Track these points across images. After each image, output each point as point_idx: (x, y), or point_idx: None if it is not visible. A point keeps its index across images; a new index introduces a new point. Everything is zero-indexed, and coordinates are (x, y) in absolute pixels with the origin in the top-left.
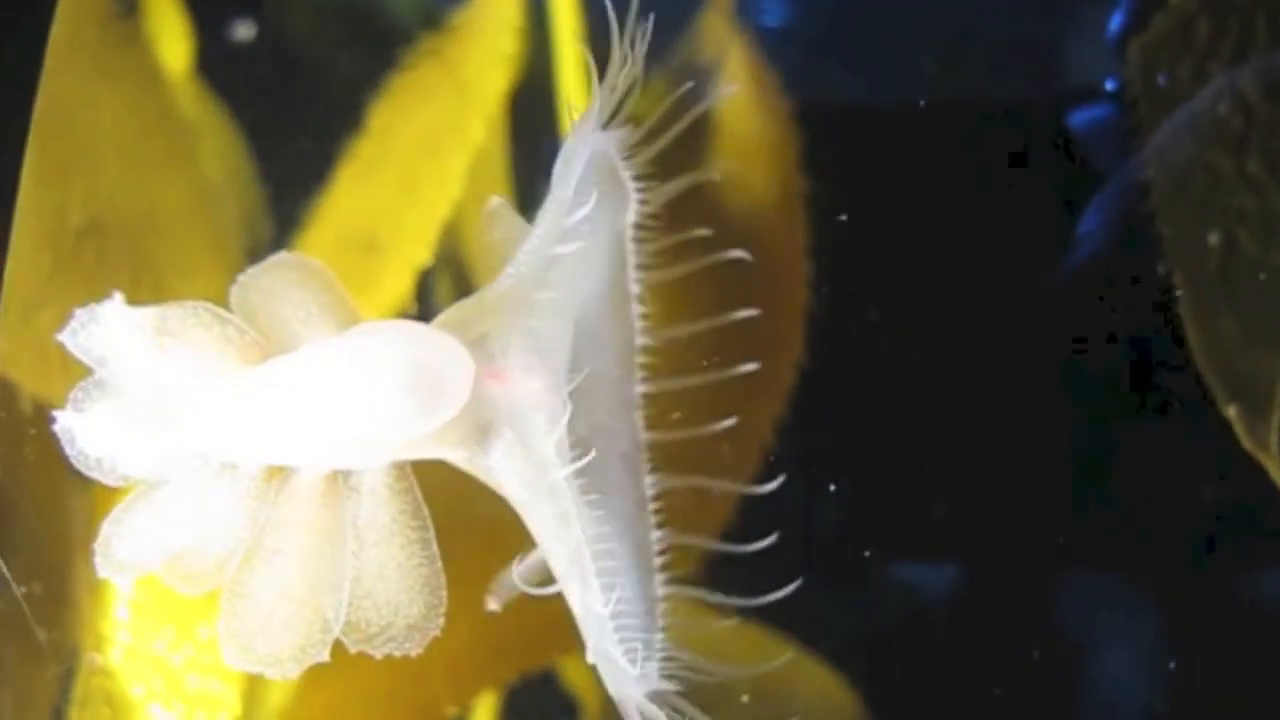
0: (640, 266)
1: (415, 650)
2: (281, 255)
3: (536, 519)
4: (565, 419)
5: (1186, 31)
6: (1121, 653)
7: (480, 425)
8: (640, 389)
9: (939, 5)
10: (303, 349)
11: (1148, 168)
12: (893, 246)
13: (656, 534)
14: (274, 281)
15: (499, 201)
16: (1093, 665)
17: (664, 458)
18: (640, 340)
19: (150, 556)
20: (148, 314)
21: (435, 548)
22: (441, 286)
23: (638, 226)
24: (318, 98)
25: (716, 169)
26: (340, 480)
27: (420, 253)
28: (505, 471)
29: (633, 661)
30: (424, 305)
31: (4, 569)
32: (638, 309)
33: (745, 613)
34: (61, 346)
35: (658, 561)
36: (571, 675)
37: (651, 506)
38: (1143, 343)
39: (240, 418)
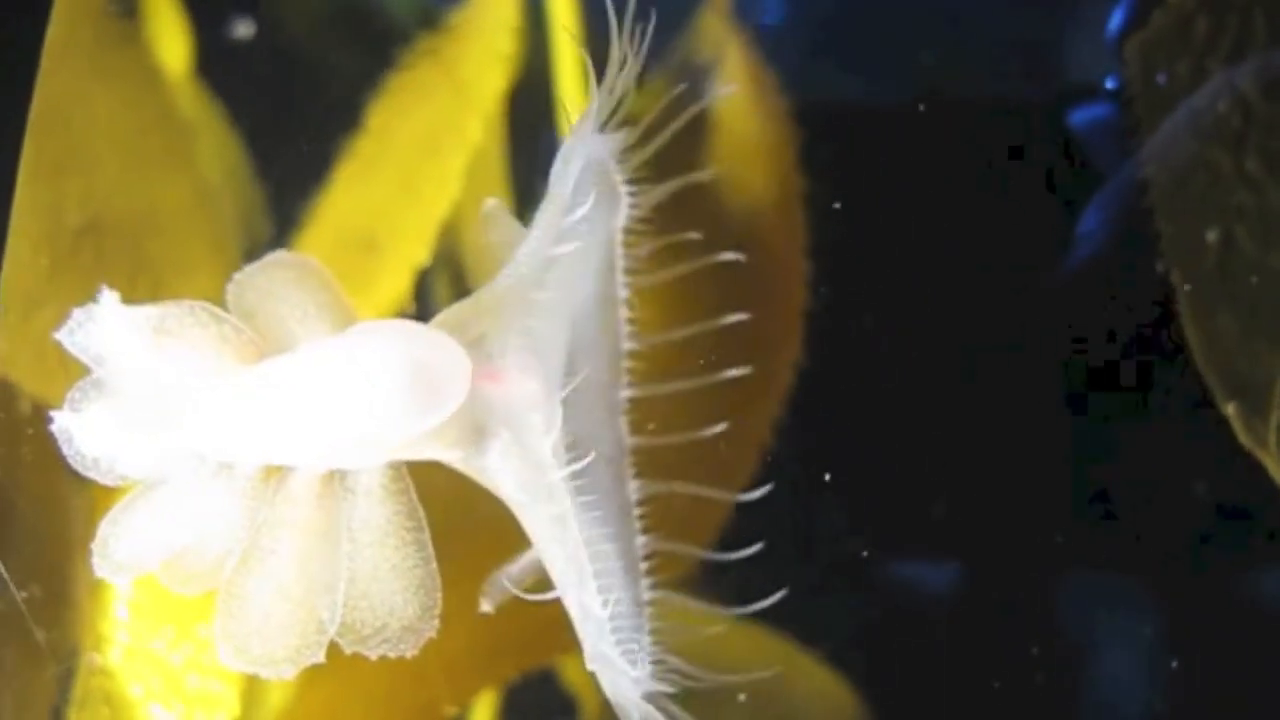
0: (629, 270)
1: (410, 652)
2: (278, 254)
3: (533, 520)
4: (560, 420)
5: (1185, 30)
6: (1121, 652)
7: (477, 426)
8: (626, 393)
9: (938, 4)
10: (300, 348)
11: (1146, 166)
12: (892, 246)
13: (641, 539)
14: (270, 280)
15: (495, 204)
16: (1092, 665)
17: (657, 461)
18: (627, 345)
19: (148, 556)
20: (145, 313)
21: (430, 549)
22: (439, 286)
23: (627, 230)
24: (316, 97)
25: (712, 169)
26: (336, 481)
27: (418, 252)
28: (502, 472)
29: (631, 663)
30: (422, 305)
31: (3, 570)
32: (625, 313)
33: (744, 613)
34: (60, 346)
35: (644, 566)
36: (571, 675)
37: (637, 512)
38: (1142, 341)
39: (237, 417)
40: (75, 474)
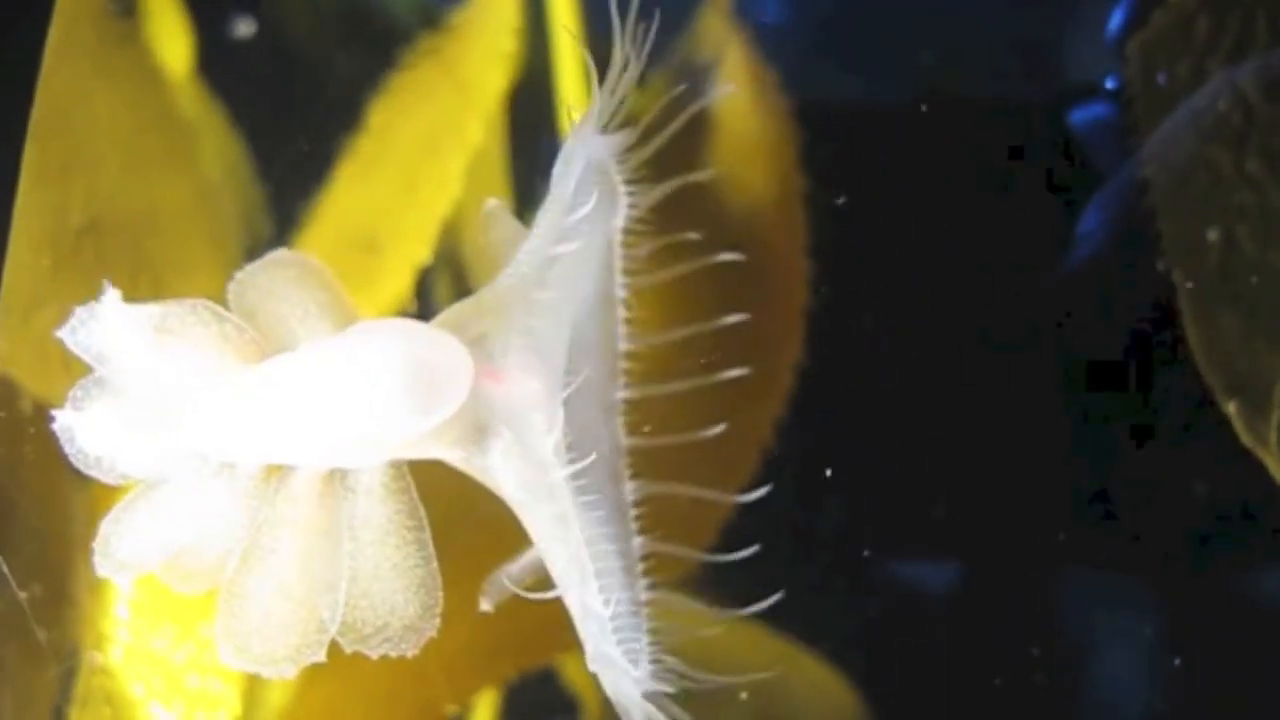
0: (627, 271)
1: (411, 651)
2: (279, 253)
3: (534, 519)
4: (562, 420)
5: (1186, 29)
6: (1121, 651)
7: (478, 425)
8: (623, 394)
9: (938, 4)
10: (301, 347)
11: (1147, 165)
12: (892, 246)
13: (638, 540)
14: (271, 279)
15: (495, 203)
16: (1093, 664)
17: (657, 461)
18: (625, 345)
19: (150, 555)
20: (147, 311)
21: (431, 548)
22: (440, 285)
23: (626, 230)
24: (317, 97)
25: (712, 169)
26: (338, 480)
27: (419, 251)
28: (503, 472)
29: (633, 662)
30: (423, 304)
31: (5, 569)
32: (622, 313)
33: (744, 613)
34: (61, 346)
35: (642, 566)
36: (571, 673)
37: (634, 512)
38: (1142, 340)
39: (239, 416)
40: (77, 473)
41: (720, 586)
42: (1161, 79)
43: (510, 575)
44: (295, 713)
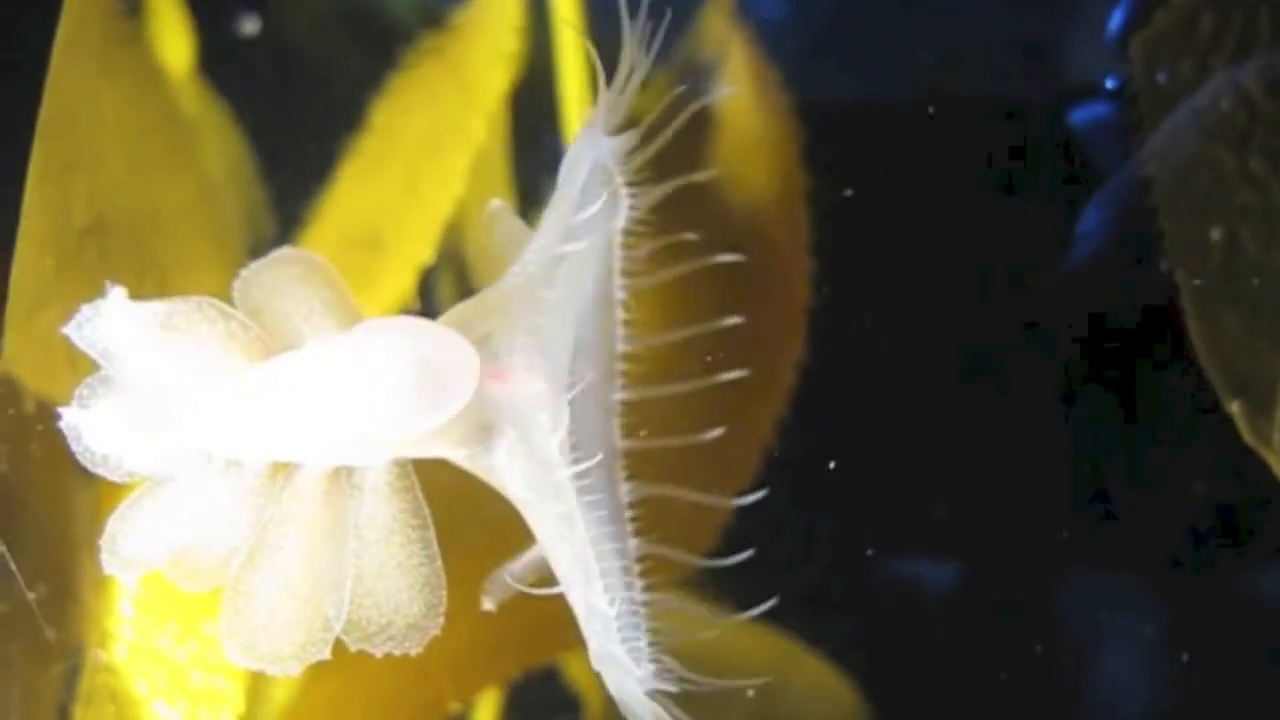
0: (626, 272)
1: (415, 649)
2: (284, 250)
3: (539, 519)
4: (567, 421)
5: (1190, 28)
6: (1123, 651)
7: (483, 424)
8: (621, 395)
9: (939, 3)
10: (308, 345)
11: (1150, 164)
12: (892, 245)
13: (634, 541)
14: (276, 277)
15: (499, 204)
16: (1094, 663)
17: (658, 461)
18: (622, 346)
19: (155, 553)
20: (153, 308)
21: (435, 547)
22: (443, 284)
23: (627, 231)
24: (320, 96)
25: (715, 167)
26: (343, 478)
27: (423, 250)
28: (508, 471)
29: (636, 661)
30: (426, 303)
31: (14, 568)
32: (621, 315)
33: (746, 610)
34: (66, 345)
35: (640, 567)
36: (574, 672)
37: (632, 513)
38: (1144, 339)
39: (244, 414)
40: (82, 471)
41: (722, 585)
42: (1162, 78)
43: (512, 574)
44: (299, 710)
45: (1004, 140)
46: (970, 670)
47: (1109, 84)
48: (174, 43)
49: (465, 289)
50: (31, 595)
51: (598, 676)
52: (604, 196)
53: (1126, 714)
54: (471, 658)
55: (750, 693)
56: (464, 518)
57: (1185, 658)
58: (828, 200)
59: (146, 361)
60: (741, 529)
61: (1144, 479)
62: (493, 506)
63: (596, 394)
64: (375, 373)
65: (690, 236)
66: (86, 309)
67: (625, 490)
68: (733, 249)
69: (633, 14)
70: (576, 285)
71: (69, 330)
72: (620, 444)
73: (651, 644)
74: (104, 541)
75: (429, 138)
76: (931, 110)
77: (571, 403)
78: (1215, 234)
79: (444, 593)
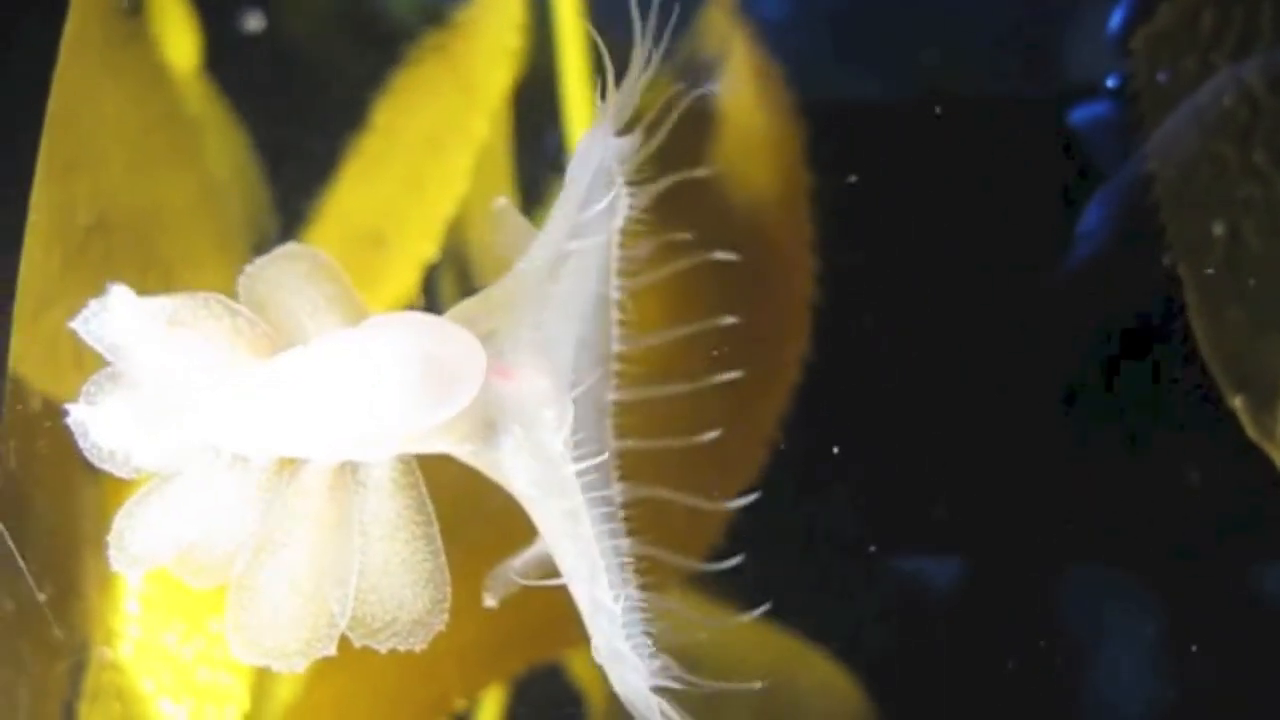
0: (624, 272)
1: (419, 645)
2: (289, 247)
3: (545, 515)
4: (572, 417)
5: (1192, 24)
6: (1126, 647)
7: (488, 420)
8: (614, 395)
9: (941, 1)
10: (312, 341)
11: (1152, 160)
12: (892, 244)
13: (637, 540)
14: (281, 272)
15: (504, 202)
16: (1097, 660)
17: (660, 459)
18: (618, 346)
19: (162, 549)
20: (160, 303)
21: (439, 543)
22: (446, 282)
23: (627, 230)
24: (322, 95)
25: (716, 165)
26: (348, 474)
27: (426, 248)
28: (513, 467)
29: (641, 657)
30: (429, 300)
31: (23, 566)
32: (616, 315)
33: (749, 607)
34: (73, 342)
35: (644, 565)
36: (578, 668)
37: (632, 512)
38: (1147, 334)
39: (251, 410)
40: (89, 467)
41: (725, 582)
42: (1164, 77)
43: (515, 570)
44: (304, 707)
45: (1005, 138)
46: (973, 667)
47: (1110, 82)
48: (177, 41)
49: (467, 287)
50: (42, 597)
51: (601, 672)
52: (609, 194)
53: (1128, 711)
54: (476, 654)
55: (758, 685)
56: (468, 514)
57: (1187, 655)
58: (832, 194)
59: (153, 357)
60: (745, 526)
61: (1146, 475)
62: (497, 502)
63: (595, 393)
64: (381, 368)
65: (685, 236)
66: (94, 304)
67: (620, 490)
68: (735, 247)
69: (646, 14)
70: (581, 282)
71: (76, 325)
72: (615, 443)
73: (656, 641)
74: (111, 538)
75: (431, 136)
76: (933, 108)
77: (575, 400)
78: (1218, 229)
79: (448, 589)
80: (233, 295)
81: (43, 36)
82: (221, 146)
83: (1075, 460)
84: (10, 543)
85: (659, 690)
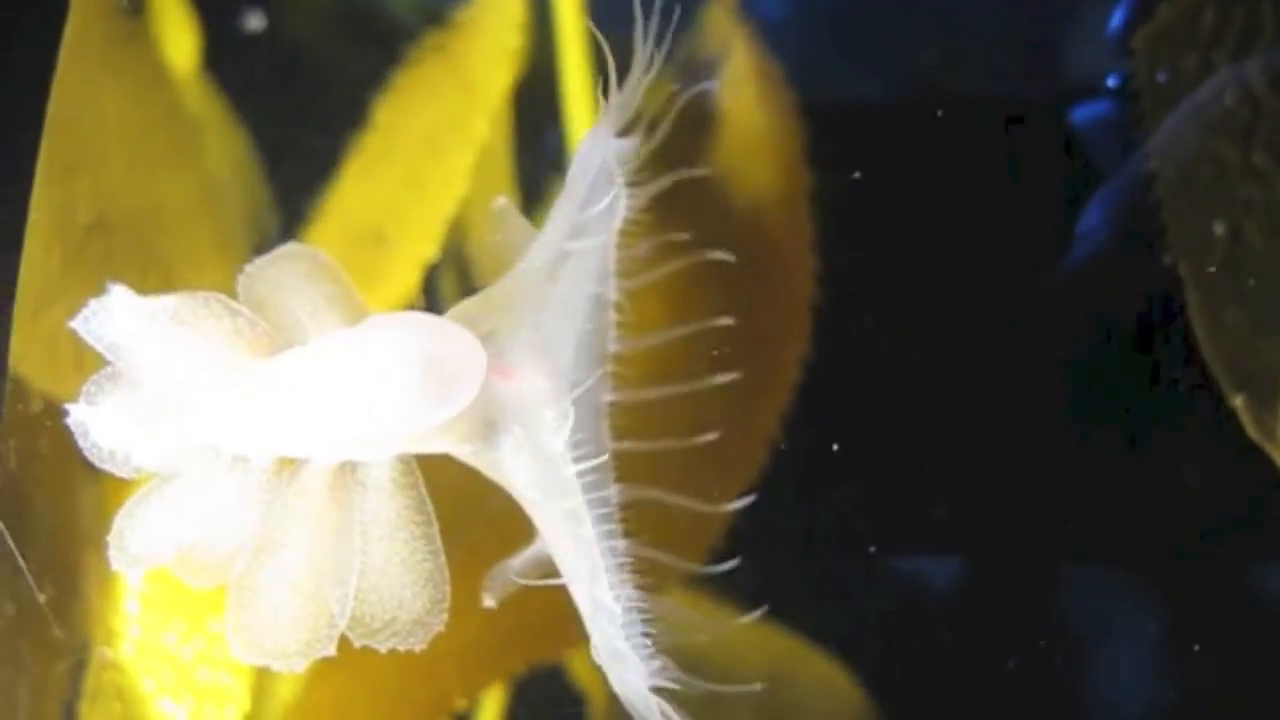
0: (622, 273)
1: (419, 645)
2: (289, 246)
3: (544, 515)
4: (572, 418)
5: (1192, 23)
6: (1126, 647)
7: (488, 420)
8: (609, 397)
9: (941, 1)
10: (312, 341)
11: (1153, 160)
12: (893, 245)
13: (635, 540)
14: (281, 272)
15: (504, 202)
16: (1097, 659)
17: (660, 458)
18: (613, 347)
19: (162, 549)
20: (160, 302)
21: (439, 543)
22: (446, 281)
23: (625, 230)
24: (322, 94)
25: (715, 165)
26: (348, 474)
27: (426, 248)
28: (514, 468)
29: (641, 657)
30: (429, 300)
31: (23, 566)
32: (613, 316)
33: (749, 607)
34: (73, 342)
35: (644, 565)
36: (579, 668)
37: (631, 513)
38: (1148, 334)
39: (251, 409)
40: (89, 467)
41: (726, 582)
42: (1164, 76)
43: (513, 570)
44: (305, 707)
45: (1005, 138)
46: (974, 667)
47: (1110, 81)
48: (178, 41)
49: (467, 286)
50: (43, 598)
51: (602, 673)
52: (610, 195)
53: (1128, 711)
54: (476, 654)
55: (759, 685)
56: (468, 514)
57: (1188, 655)
58: (830, 197)
59: (153, 356)
60: (746, 526)
61: (1147, 474)
62: (497, 502)
63: (594, 393)
64: (381, 368)
65: (682, 236)
66: (93, 303)
67: (620, 490)
68: (735, 247)
69: (649, 14)
70: (581, 283)
71: (76, 324)
72: (615, 444)
73: (656, 641)
74: (111, 538)
75: (432, 135)
76: (934, 107)
77: (575, 401)
78: (1219, 229)
79: (448, 588)
80: (233, 295)
81: (43, 36)
82: (222, 146)
83: (1075, 460)
84: (10, 542)
85: (658, 690)
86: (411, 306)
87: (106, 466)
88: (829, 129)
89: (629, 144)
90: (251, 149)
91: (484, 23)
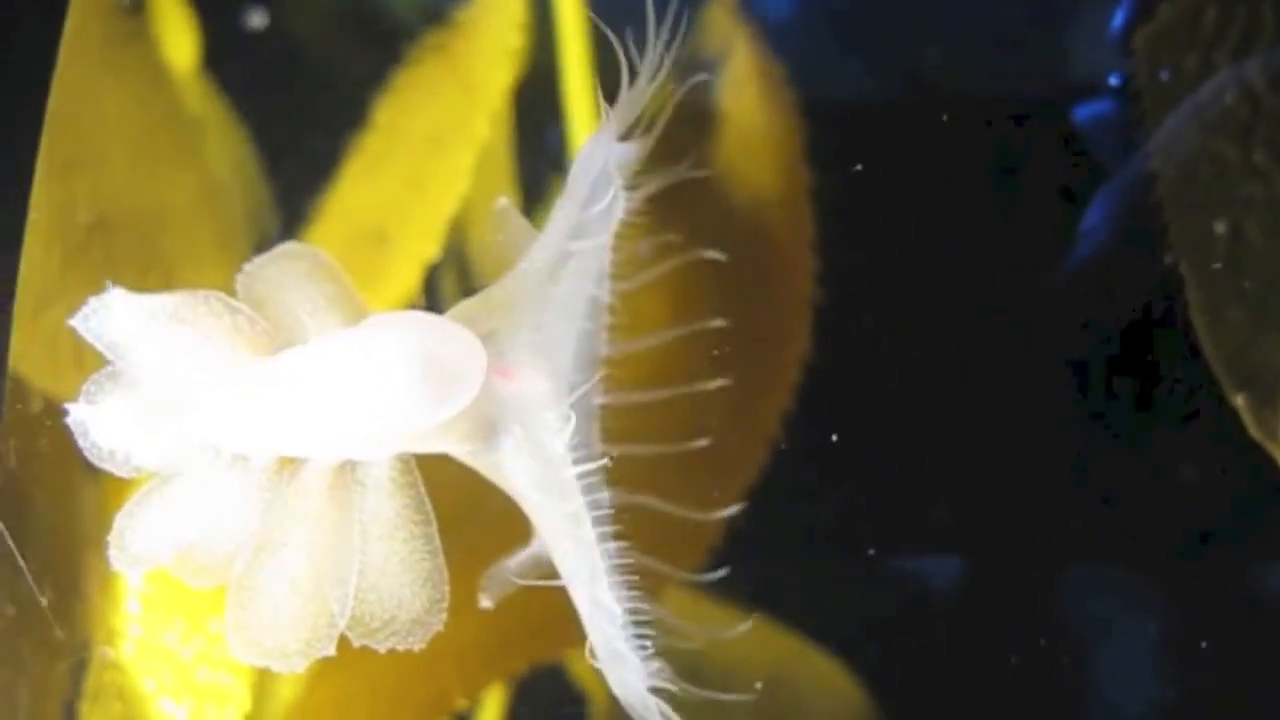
0: (615, 274)
1: (418, 645)
2: (288, 245)
3: (544, 517)
4: (573, 420)
5: (1193, 22)
6: (1127, 647)
7: (488, 421)
8: (601, 399)
9: (942, 0)
10: (312, 340)
11: (1154, 159)
12: (893, 245)
13: (625, 543)
14: (281, 271)
15: (505, 203)
16: (1097, 659)
17: (660, 458)
18: (613, 349)
19: (163, 549)
20: (159, 300)
21: (438, 542)
22: (447, 281)
23: (623, 231)
24: (323, 94)
25: (715, 165)
26: (348, 473)
27: (428, 247)
28: (514, 468)
29: (641, 658)
30: (429, 300)
31: (23, 566)
32: (605, 319)
33: (751, 606)
34: (73, 342)
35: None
36: (580, 668)
37: (620, 515)
38: (1149, 333)
39: (251, 408)
40: (90, 467)
41: (726, 582)
42: (1166, 75)
43: (510, 571)
44: (306, 707)
45: (1007, 136)
46: (974, 666)
47: (1112, 80)
48: (178, 40)
49: (467, 285)
50: (45, 602)
51: (600, 674)
52: (610, 196)
53: (1129, 711)
54: (478, 653)
55: (758, 685)
56: (467, 513)
57: (1188, 655)
58: (831, 197)
59: (152, 354)
60: (747, 525)
61: (1148, 474)
62: (496, 503)
63: (594, 394)
64: (381, 367)
65: (680, 237)
66: (93, 301)
67: (620, 491)
68: (736, 247)
69: (642, 13)
70: (581, 284)
71: (75, 322)
72: (615, 445)
73: (658, 640)
74: (112, 537)
75: (433, 135)
76: (935, 106)
77: (576, 402)
78: (1220, 228)
79: (446, 588)
80: (234, 295)
81: (43, 36)
82: (223, 145)
83: (1076, 460)
84: (10, 542)
85: (658, 691)
86: (412, 306)
87: (106, 466)
88: (830, 129)
89: (631, 148)
90: (252, 148)
91: (485, 22)
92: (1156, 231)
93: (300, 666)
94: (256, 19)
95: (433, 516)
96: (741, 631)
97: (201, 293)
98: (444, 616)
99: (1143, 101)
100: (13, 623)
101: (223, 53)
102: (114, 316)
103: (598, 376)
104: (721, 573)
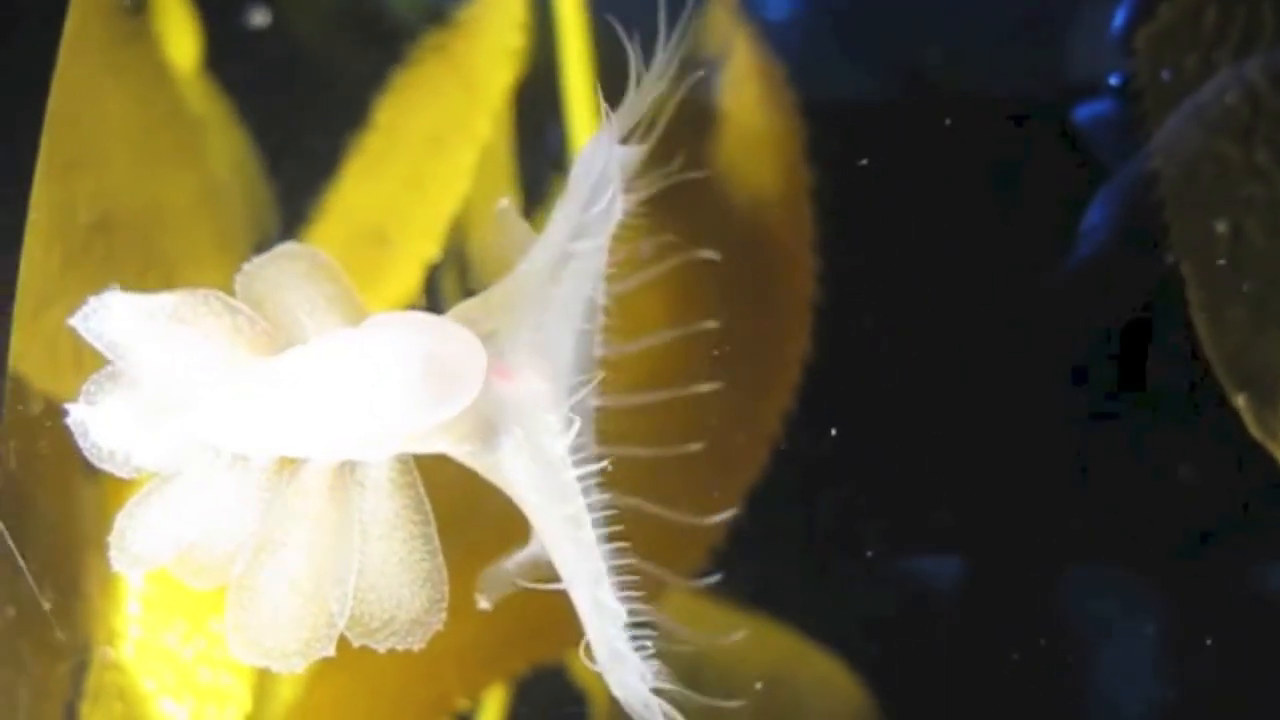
0: (612, 275)
1: (418, 645)
2: (287, 246)
3: (544, 518)
4: (575, 423)
5: (1194, 22)
6: (1127, 647)
7: (488, 422)
8: (597, 401)
9: (943, 0)
10: (311, 340)
11: (1155, 159)
12: (893, 245)
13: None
14: (280, 271)
15: (506, 204)
16: (1097, 659)
17: (661, 458)
18: (613, 349)
19: (163, 549)
20: (159, 300)
21: (437, 542)
22: (448, 281)
23: (614, 236)
24: (324, 94)
25: (711, 166)
26: (347, 473)
27: (428, 247)
28: (513, 469)
29: (642, 658)
30: (430, 300)
31: (24, 567)
32: (601, 320)
33: (752, 606)
34: (73, 342)
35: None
36: (580, 668)
37: (620, 516)
38: (1150, 333)
39: (251, 409)
40: (90, 468)
41: (726, 582)
42: (1166, 74)
43: (509, 571)
44: (306, 707)
45: (1008, 136)
46: (974, 666)
47: (1113, 80)
48: (179, 40)
49: (468, 286)
50: (48, 606)
51: (600, 675)
52: (610, 197)
53: (1129, 710)
54: (478, 654)
55: (758, 685)
56: (467, 514)
57: (1188, 654)
58: (831, 197)
59: (152, 354)
60: (748, 525)
61: (1148, 474)
62: (495, 503)
63: (594, 395)
64: (381, 367)
65: (679, 237)
66: (93, 301)
67: (619, 492)
68: (736, 246)
69: (643, 13)
70: (581, 285)
71: (75, 322)
72: (615, 446)
73: (658, 640)
74: (112, 538)
75: (433, 135)
76: (935, 106)
77: (576, 403)
78: (1221, 227)
79: (446, 588)
80: (234, 293)
81: (43, 36)
82: (223, 145)
83: (1075, 460)
84: (11, 543)
85: (658, 691)
86: (413, 306)
87: (106, 466)
88: (830, 129)
89: (632, 150)
90: (253, 148)
91: (485, 22)
92: (1157, 231)
93: (300, 667)
94: (258, 18)
95: (432, 517)
96: (744, 625)
97: (201, 292)
98: (443, 616)
99: (1143, 101)
100: (13, 623)
101: (224, 52)
102: (114, 316)
103: (598, 377)
104: (713, 578)
